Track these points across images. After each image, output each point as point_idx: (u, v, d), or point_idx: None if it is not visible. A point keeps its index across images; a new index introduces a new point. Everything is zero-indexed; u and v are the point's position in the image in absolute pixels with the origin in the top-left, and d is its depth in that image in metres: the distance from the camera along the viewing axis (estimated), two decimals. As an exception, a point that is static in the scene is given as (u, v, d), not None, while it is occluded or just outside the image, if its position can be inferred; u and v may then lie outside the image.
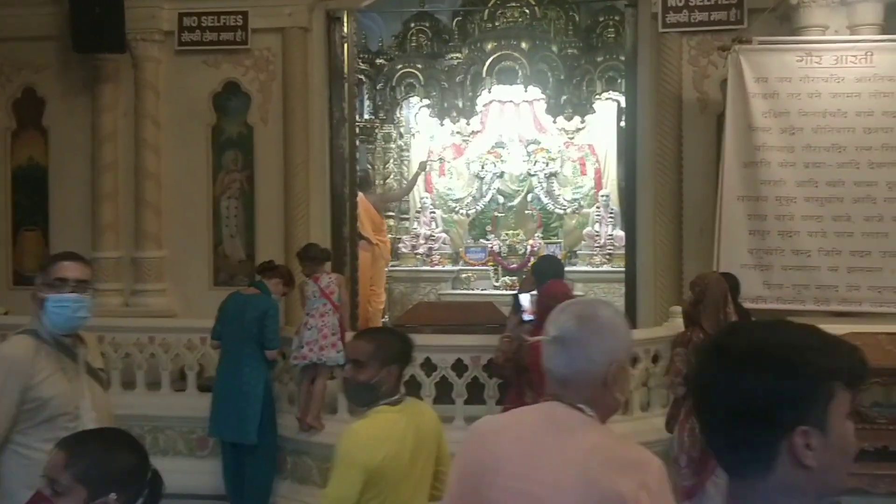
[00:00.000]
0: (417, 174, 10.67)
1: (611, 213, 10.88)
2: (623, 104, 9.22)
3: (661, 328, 6.52)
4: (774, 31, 6.78)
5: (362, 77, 10.23)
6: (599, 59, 9.88)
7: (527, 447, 1.93)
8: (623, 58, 8.44)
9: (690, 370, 4.73)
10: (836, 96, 6.36)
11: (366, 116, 10.66)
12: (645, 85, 7.39)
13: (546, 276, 5.43)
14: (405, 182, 11.24)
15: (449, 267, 11.11)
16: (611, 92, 9.92)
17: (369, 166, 10.97)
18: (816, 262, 6.34)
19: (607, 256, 10.81)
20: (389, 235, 10.75)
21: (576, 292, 7.75)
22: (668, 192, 7.24)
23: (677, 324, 6.33)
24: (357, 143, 8.78)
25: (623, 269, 8.29)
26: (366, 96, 10.60)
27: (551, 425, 1.93)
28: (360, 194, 8.51)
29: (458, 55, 10.43)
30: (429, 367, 6.09)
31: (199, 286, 7.74)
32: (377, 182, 11.00)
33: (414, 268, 11.05)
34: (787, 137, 6.38)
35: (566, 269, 10.65)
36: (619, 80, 9.43)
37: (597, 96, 10.06)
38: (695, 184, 7.17)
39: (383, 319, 9.17)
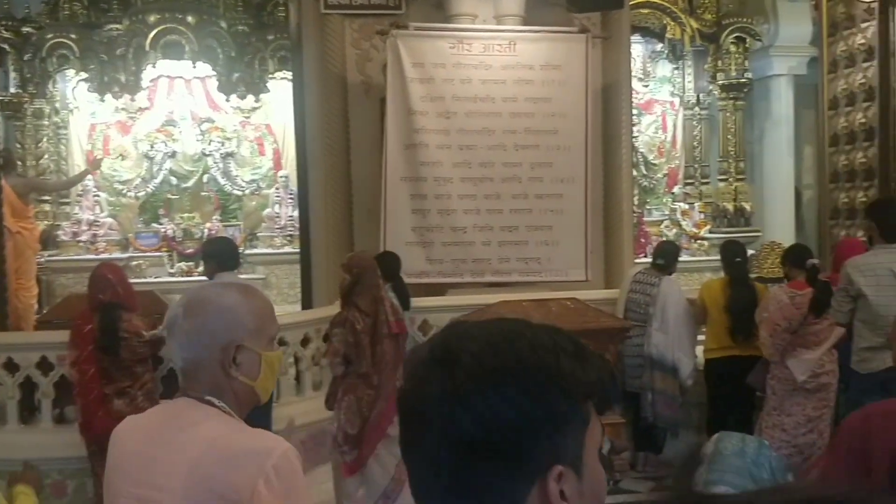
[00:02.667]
0: (86, 172, 9.87)
1: (290, 194, 10.81)
2: (297, 84, 9.18)
3: (334, 307, 6.58)
4: (431, 18, 7.09)
5: (6, 47, 9.19)
6: (270, 37, 9.77)
7: (149, 449, 1.82)
8: (291, 37, 8.37)
9: (348, 348, 4.83)
10: (486, 82, 6.82)
11: (12, 90, 9.59)
12: (311, 66, 7.37)
13: (222, 258, 5.26)
14: (63, 162, 10.29)
15: (117, 255, 10.31)
16: (284, 71, 9.83)
17: (18, 145, 9.88)
18: (472, 238, 6.79)
19: (288, 238, 10.75)
20: (46, 222, 9.81)
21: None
22: (338, 174, 7.33)
23: (346, 302, 6.49)
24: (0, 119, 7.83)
25: (302, 250, 8.26)
26: (11, 68, 9.52)
27: (175, 422, 1.84)
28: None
29: (119, 26, 9.71)
30: (11, 367, 5.60)
31: None
32: (29, 163, 9.95)
33: (76, 256, 10.15)
34: (442, 121, 6.73)
35: (250, 252, 10.60)
36: (290, 60, 9.36)
37: (270, 75, 9.94)
38: (362, 165, 7.33)
39: (37, 315, 8.32)
